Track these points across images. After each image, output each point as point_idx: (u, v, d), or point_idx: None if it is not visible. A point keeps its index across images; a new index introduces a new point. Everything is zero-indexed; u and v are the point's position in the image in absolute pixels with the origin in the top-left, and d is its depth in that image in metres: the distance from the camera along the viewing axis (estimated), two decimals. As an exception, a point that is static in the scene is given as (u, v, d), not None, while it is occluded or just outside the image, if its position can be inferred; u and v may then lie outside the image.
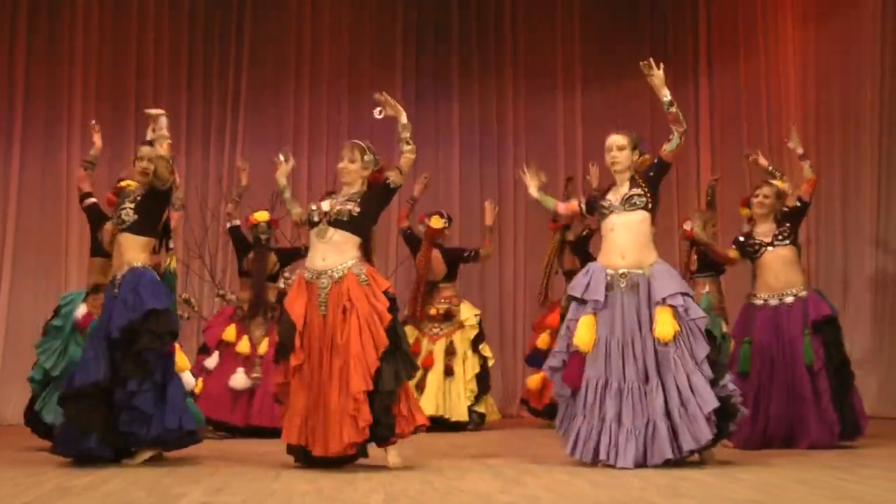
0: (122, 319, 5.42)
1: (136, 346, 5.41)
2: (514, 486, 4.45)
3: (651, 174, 5.50)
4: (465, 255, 8.60)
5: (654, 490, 4.27)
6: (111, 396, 5.42)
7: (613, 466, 5.07)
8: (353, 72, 10.55)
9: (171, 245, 5.94)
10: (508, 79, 10.73)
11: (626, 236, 5.41)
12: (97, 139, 6.79)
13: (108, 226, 6.37)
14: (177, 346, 5.73)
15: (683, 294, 5.29)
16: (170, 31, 10.25)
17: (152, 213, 5.72)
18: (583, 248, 8.33)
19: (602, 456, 5.14)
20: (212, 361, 7.75)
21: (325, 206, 5.40)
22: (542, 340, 8.27)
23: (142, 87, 10.09)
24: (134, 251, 5.66)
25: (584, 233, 8.36)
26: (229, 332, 7.82)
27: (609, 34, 10.82)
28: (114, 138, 9.81)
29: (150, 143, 5.68)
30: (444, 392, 8.18)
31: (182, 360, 5.83)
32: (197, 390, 7.13)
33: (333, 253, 5.32)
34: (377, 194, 5.42)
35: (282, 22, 10.50)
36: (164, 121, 5.66)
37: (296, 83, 10.46)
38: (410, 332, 8.29)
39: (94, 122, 6.95)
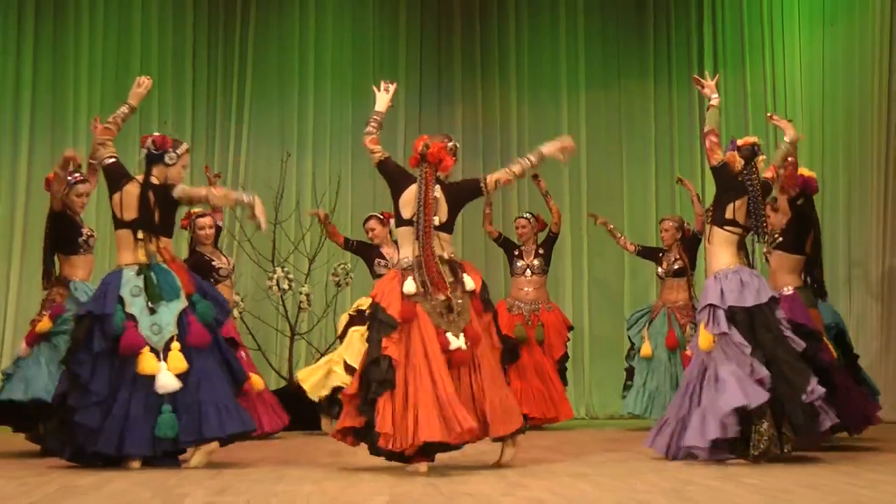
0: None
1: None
2: (516, 489, 4.44)
3: None
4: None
5: (658, 494, 4.25)
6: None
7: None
8: (356, 73, 10.55)
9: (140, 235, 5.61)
10: (512, 80, 10.73)
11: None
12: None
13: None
14: (145, 350, 5.30)
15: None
16: (174, 33, 10.25)
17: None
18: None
19: None
20: None
21: None
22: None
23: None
24: (119, 250, 5.63)
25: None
26: None
27: (613, 36, 10.83)
28: (117, 139, 9.80)
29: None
30: None
31: (149, 364, 5.30)
32: None
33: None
34: None
35: (285, 23, 10.51)
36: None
37: (300, 84, 10.46)
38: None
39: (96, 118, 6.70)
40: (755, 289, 5.53)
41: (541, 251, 8.67)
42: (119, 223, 5.57)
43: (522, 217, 8.84)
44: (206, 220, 7.70)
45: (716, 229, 5.67)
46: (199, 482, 4.68)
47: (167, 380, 5.26)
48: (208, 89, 10.30)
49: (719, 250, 5.66)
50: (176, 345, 5.35)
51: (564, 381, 8.63)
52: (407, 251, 5.31)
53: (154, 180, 5.59)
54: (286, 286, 8.80)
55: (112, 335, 5.28)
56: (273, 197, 9.44)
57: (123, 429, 5.20)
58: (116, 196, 5.57)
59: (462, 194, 5.48)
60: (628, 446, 6.56)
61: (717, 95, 5.84)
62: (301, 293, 8.94)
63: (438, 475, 4.96)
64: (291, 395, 8.03)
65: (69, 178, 6.42)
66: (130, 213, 5.53)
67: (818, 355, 5.74)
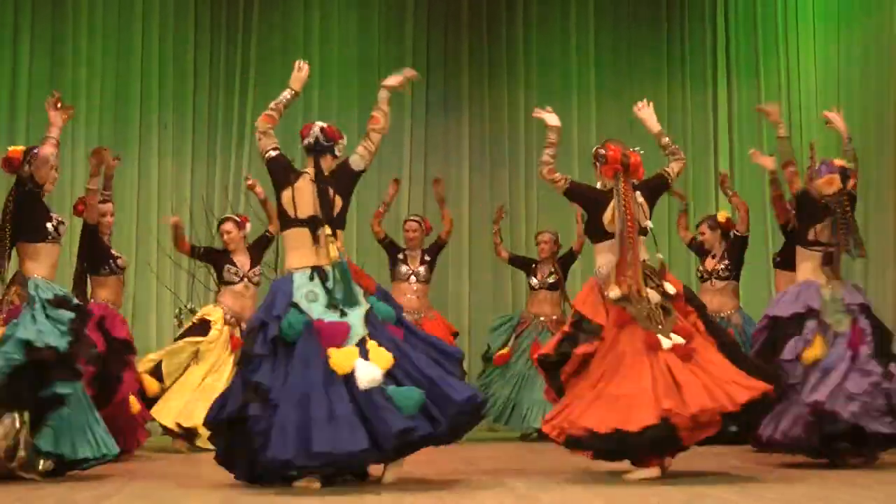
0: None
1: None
2: (525, 502, 4.37)
3: None
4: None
5: (673, 507, 4.17)
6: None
7: None
8: (361, 77, 10.46)
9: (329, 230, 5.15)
10: (520, 85, 10.62)
11: None
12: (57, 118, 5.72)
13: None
14: (332, 350, 4.84)
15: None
16: (175, 32, 10.15)
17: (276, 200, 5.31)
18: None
19: None
20: None
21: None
22: None
23: (146, 88, 10.01)
24: (285, 255, 5.21)
25: None
26: None
27: (625, 40, 10.73)
28: (116, 139, 9.76)
29: None
30: None
31: (344, 359, 4.83)
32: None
33: None
34: None
35: (289, 25, 10.43)
36: None
37: (304, 90, 10.33)
38: None
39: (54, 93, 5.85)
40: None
41: (427, 258, 8.44)
42: (289, 222, 5.15)
43: (412, 220, 8.61)
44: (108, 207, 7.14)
45: (799, 249, 6.06)
46: (200, 496, 4.65)
47: (369, 370, 4.80)
48: (210, 92, 10.21)
49: (802, 267, 6.04)
50: (373, 343, 4.91)
51: None
52: (605, 259, 5.43)
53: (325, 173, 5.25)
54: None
55: (289, 340, 4.86)
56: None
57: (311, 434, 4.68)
58: (286, 192, 5.18)
59: (655, 192, 5.68)
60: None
61: (783, 126, 6.15)
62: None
63: (445, 489, 4.88)
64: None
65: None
66: (307, 210, 5.13)
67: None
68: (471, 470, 5.69)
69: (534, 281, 8.60)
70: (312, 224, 5.09)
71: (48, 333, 5.21)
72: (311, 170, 5.25)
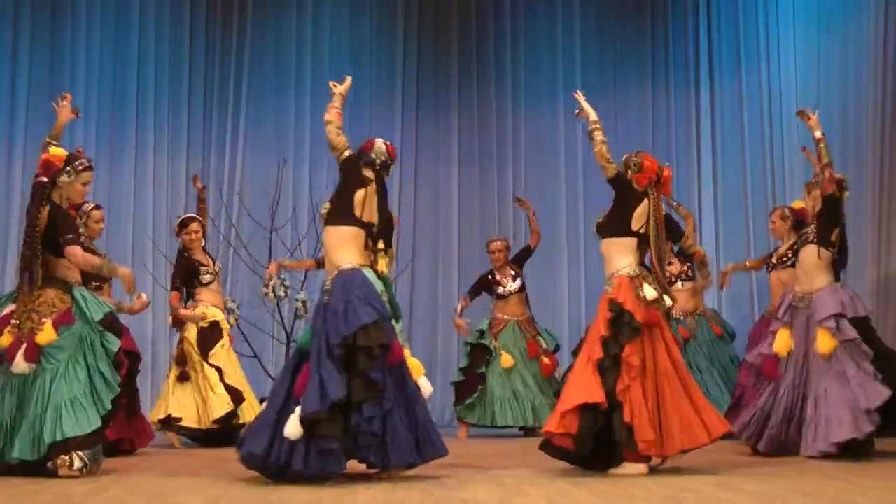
0: (337, 335, 4.90)
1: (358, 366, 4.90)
2: (514, 497, 4.44)
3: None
4: None
5: (655, 501, 4.26)
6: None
7: None
8: (354, 79, 10.51)
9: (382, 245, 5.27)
10: (508, 88, 10.72)
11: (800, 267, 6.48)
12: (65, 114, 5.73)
13: None
14: (407, 352, 5.18)
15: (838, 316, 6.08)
16: (171, 38, 10.21)
17: (342, 195, 5.26)
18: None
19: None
20: None
21: None
22: None
23: (142, 96, 10.06)
24: (336, 249, 5.19)
25: None
26: None
27: (610, 44, 10.84)
28: (113, 147, 9.81)
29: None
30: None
31: (418, 370, 5.22)
32: None
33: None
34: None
35: (282, 29, 10.50)
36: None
37: (296, 90, 10.45)
38: None
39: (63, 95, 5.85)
40: (862, 303, 6.27)
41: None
42: (353, 220, 5.21)
43: None
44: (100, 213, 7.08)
45: (823, 250, 6.33)
46: (195, 490, 4.69)
47: (428, 385, 5.26)
48: (205, 95, 10.27)
49: (827, 270, 6.34)
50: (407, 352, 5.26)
51: None
52: (628, 260, 5.50)
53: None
54: (282, 293, 8.78)
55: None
56: (269, 203, 9.45)
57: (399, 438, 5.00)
58: (360, 192, 5.26)
59: (664, 227, 5.74)
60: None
61: (820, 131, 6.43)
62: (297, 300, 8.92)
63: (435, 482, 4.97)
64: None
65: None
66: (370, 216, 5.26)
67: None
68: (461, 464, 5.75)
69: (501, 290, 8.69)
70: (371, 229, 5.25)
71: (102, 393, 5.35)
72: (375, 182, 5.34)
